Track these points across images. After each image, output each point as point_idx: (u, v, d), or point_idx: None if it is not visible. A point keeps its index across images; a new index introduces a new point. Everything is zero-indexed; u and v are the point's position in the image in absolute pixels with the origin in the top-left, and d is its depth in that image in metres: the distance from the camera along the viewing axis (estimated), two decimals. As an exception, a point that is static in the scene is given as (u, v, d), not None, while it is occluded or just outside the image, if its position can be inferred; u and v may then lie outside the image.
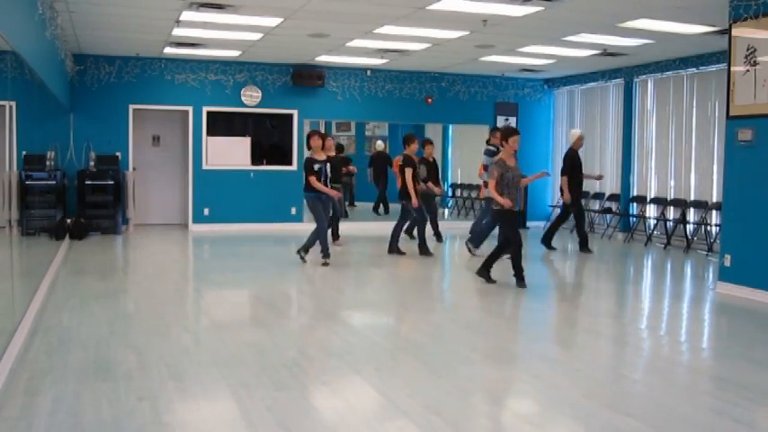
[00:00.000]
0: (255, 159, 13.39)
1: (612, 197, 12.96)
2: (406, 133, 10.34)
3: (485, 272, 7.97)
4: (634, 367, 5.18)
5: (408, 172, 9.74)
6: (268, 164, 13.49)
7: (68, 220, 11.33)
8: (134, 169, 12.65)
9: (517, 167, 7.87)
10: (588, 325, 6.51)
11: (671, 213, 11.71)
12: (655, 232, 11.68)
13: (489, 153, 10.26)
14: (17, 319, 5.34)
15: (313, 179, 8.79)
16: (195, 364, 4.85)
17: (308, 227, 13.57)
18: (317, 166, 8.85)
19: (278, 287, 8.17)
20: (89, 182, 11.88)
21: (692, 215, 11.30)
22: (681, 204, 11.39)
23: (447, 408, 4.05)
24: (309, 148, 9.17)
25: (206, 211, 13.03)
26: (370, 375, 4.67)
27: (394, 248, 10.07)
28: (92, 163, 12.06)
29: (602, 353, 5.58)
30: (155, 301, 6.98)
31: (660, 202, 11.82)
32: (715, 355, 5.63)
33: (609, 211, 12.69)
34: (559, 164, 12.17)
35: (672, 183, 11.84)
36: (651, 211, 12.17)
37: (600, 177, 11.59)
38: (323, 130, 17.58)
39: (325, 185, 8.85)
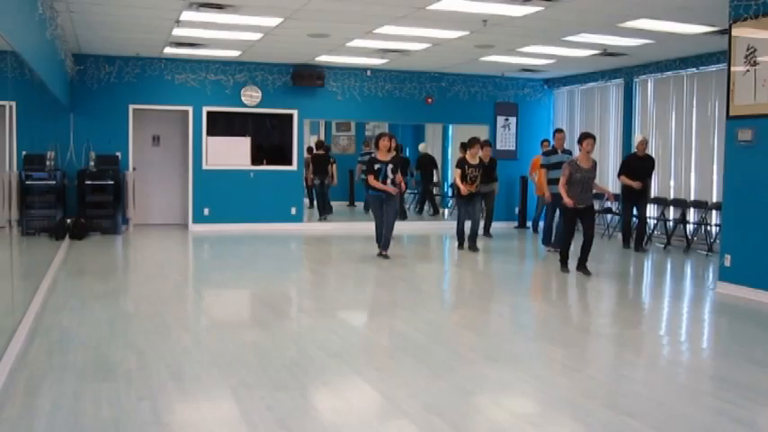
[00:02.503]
0: (255, 159, 13.40)
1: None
2: (472, 138, 10.74)
3: (584, 268, 8.57)
4: (634, 367, 5.18)
5: (457, 173, 10.40)
6: (268, 164, 13.50)
7: (68, 220, 11.33)
8: (134, 169, 12.65)
9: (592, 170, 8.48)
10: (588, 325, 6.51)
11: (671, 213, 11.71)
12: (655, 232, 11.68)
13: (546, 153, 10.96)
14: (17, 319, 5.34)
15: (371, 177, 9.43)
16: (195, 364, 4.85)
17: (308, 227, 13.61)
18: (377, 166, 9.33)
19: (278, 287, 8.17)
20: (89, 182, 11.88)
21: (692, 215, 11.30)
22: (681, 204, 11.39)
23: (447, 408, 4.05)
24: (378, 148, 9.57)
25: (206, 211, 13.03)
26: (370, 375, 4.67)
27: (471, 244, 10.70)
28: (92, 163, 12.06)
29: (602, 353, 5.59)
30: (155, 301, 6.97)
31: (660, 202, 11.82)
32: (715, 355, 5.64)
33: (609, 211, 12.68)
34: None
35: (672, 183, 11.84)
36: (651, 211, 12.16)
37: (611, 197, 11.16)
38: (321, 131, 17.75)
39: (385, 184, 9.36)
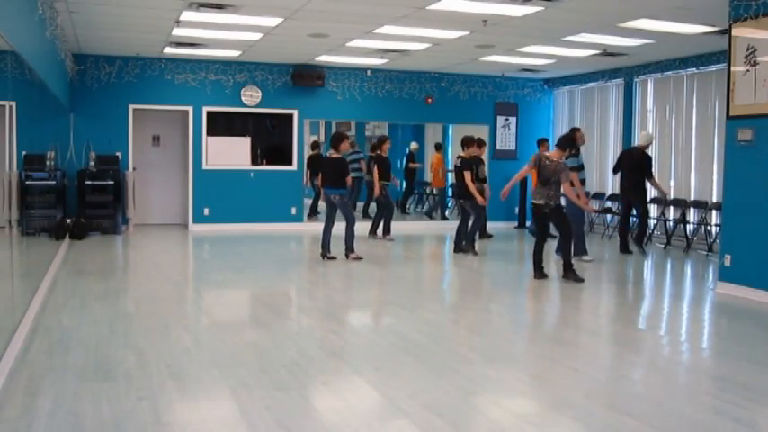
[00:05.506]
0: (255, 159, 13.40)
1: (612, 197, 12.96)
2: (465, 136, 10.52)
3: (571, 273, 8.15)
4: (634, 367, 5.18)
5: (467, 174, 10.00)
6: (268, 164, 13.50)
7: (68, 220, 11.32)
8: (134, 169, 12.65)
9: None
10: (588, 325, 6.51)
11: (671, 213, 11.71)
12: (655, 232, 11.67)
13: (576, 155, 9.82)
14: (17, 319, 5.34)
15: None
16: (195, 364, 4.85)
17: (308, 227, 13.60)
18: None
19: (278, 287, 8.17)
20: (89, 182, 11.88)
21: (692, 215, 11.30)
22: (681, 204, 11.39)
23: (447, 408, 4.05)
24: (337, 150, 9.52)
25: (206, 211, 13.03)
26: (370, 375, 4.67)
27: (461, 247, 10.32)
28: (92, 163, 12.06)
29: (602, 353, 5.58)
30: (155, 301, 6.98)
31: (660, 202, 11.81)
32: (715, 355, 5.63)
33: (609, 211, 12.68)
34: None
35: (672, 183, 11.84)
36: (651, 211, 12.15)
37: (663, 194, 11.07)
38: (320, 130, 17.74)
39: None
